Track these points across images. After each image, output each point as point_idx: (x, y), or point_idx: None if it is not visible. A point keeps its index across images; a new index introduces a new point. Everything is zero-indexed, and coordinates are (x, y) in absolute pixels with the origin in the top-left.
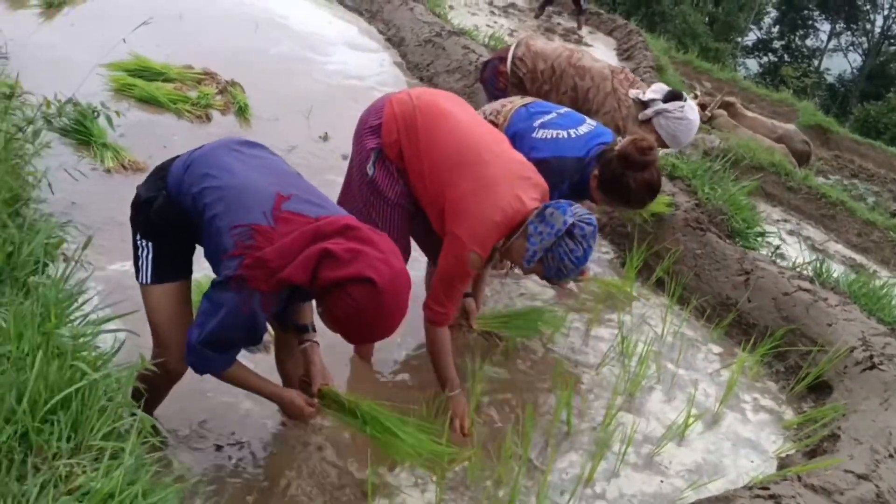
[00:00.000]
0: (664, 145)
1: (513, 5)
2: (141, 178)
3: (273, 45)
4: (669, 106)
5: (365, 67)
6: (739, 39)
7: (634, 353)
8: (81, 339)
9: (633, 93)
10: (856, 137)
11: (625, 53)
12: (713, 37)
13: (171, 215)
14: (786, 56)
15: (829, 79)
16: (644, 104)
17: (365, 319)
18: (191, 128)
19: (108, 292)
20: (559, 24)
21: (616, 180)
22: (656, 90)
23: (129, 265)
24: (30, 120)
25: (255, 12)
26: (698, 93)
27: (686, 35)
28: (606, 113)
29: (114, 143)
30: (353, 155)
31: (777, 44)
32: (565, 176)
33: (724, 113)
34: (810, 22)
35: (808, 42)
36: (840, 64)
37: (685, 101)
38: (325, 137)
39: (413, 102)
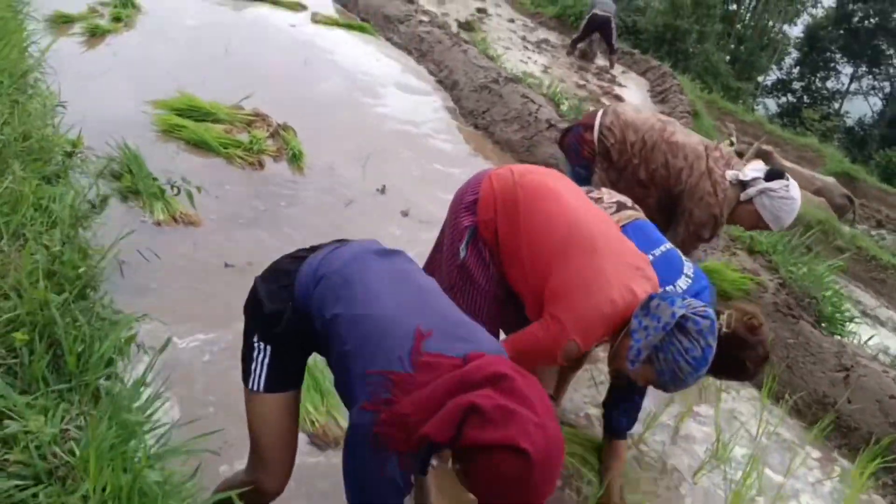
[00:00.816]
0: (765, 226)
1: (546, 41)
2: (193, 234)
3: (322, 82)
4: (773, 185)
5: (417, 112)
6: (760, 79)
7: (731, 457)
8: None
9: (730, 174)
10: (883, 186)
11: (659, 96)
12: (735, 76)
13: (298, 329)
14: (805, 97)
15: (849, 122)
16: (744, 184)
17: (510, 491)
18: (243, 176)
19: (167, 371)
20: (593, 62)
21: (730, 361)
22: (757, 169)
23: (185, 340)
24: (97, 174)
25: (302, 46)
26: (734, 139)
27: (708, 73)
28: (700, 198)
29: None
30: (445, 230)
31: (797, 84)
32: None
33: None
34: (832, 64)
35: (829, 84)
36: (860, 107)
37: (787, 179)
38: (383, 190)
39: (514, 179)
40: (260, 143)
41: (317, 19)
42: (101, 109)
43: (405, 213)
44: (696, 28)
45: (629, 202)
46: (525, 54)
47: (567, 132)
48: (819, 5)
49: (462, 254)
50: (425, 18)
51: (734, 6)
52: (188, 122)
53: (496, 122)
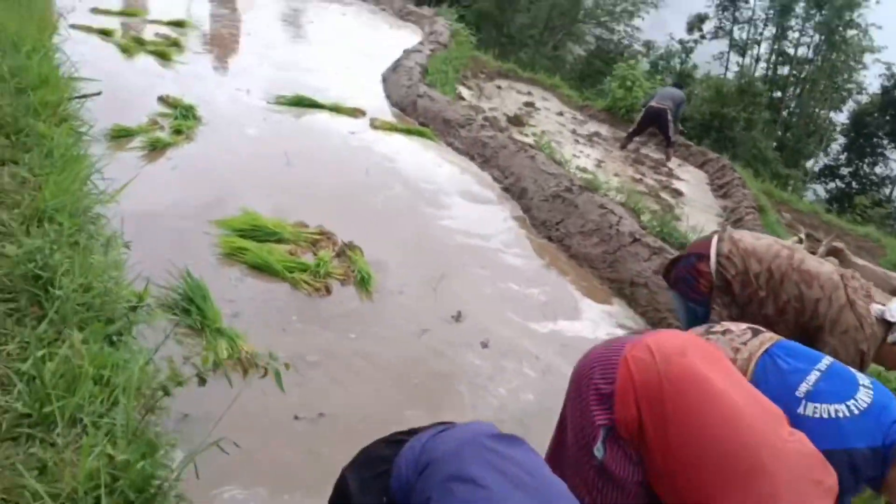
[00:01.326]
0: None
1: (597, 134)
2: (257, 381)
3: (384, 192)
4: None
5: (486, 223)
6: (808, 165)
7: None
8: None
9: (875, 308)
10: None
11: (720, 190)
12: (783, 163)
13: None
14: (854, 183)
15: None
16: (890, 324)
17: None
18: (309, 304)
19: None
20: (647, 155)
21: None
22: None
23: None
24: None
25: (363, 154)
26: (803, 236)
27: (757, 161)
28: (844, 332)
29: (229, 328)
30: (569, 416)
31: (845, 170)
32: (860, 475)
33: (836, 262)
34: (879, 150)
35: (877, 170)
36: None
37: None
38: (458, 317)
39: (658, 367)
40: (326, 266)
41: (376, 125)
42: (162, 230)
43: (485, 345)
44: (742, 115)
45: (761, 327)
46: (577, 148)
47: (676, 262)
48: (864, 92)
49: (599, 454)
50: (487, 122)
51: (778, 93)
52: (251, 243)
53: (572, 235)
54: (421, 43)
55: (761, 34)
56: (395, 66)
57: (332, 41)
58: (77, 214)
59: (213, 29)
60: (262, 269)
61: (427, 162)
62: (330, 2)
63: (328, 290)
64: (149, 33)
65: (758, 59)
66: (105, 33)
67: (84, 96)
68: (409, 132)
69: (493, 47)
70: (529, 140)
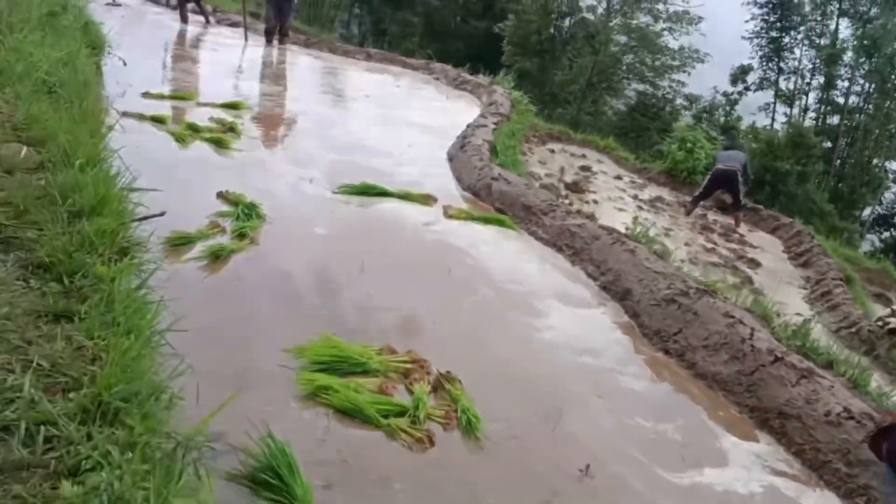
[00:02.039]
0: None
1: (659, 199)
2: None
3: (470, 297)
4: None
5: (590, 334)
6: (862, 216)
7: None
8: None
9: None
10: None
11: (798, 258)
12: (837, 215)
13: None
14: None
15: None
16: None
17: None
18: (411, 460)
19: None
20: (715, 220)
21: None
22: None
23: None
24: None
25: (441, 250)
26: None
27: (813, 214)
28: None
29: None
30: None
31: None
32: None
33: None
34: None
35: None
36: None
37: None
38: (587, 471)
39: None
40: (425, 407)
41: (450, 214)
42: (230, 362)
43: None
44: (796, 168)
45: None
46: (639, 215)
47: (887, 432)
48: None
49: None
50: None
51: (829, 144)
52: (335, 379)
53: (694, 349)
54: (483, 116)
55: (808, 84)
56: (463, 145)
57: (390, 116)
58: (150, 414)
59: (266, 109)
60: (350, 413)
61: (511, 256)
62: (382, 72)
63: (430, 441)
64: (202, 117)
65: (806, 110)
66: (158, 121)
67: (145, 218)
68: (486, 221)
69: (535, 106)
70: (591, 208)
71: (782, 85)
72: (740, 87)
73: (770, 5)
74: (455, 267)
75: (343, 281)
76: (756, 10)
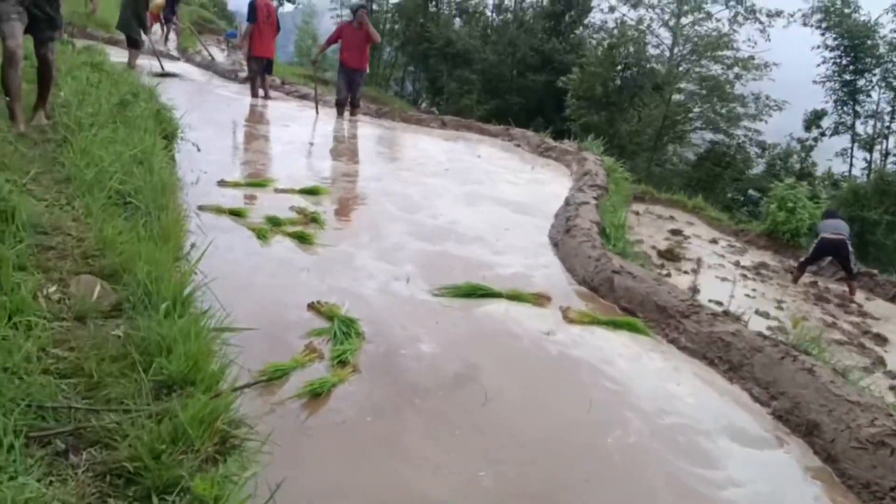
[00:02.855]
0: None
1: (763, 265)
2: None
3: (615, 432)
4: None
5: (780, 489)
6: None
7: None
8: None
9: None
10: None
11: None
12: None
13: None
14: None
15: None
16: None
17: None
18: None
19: None
20: (827, 288)
21: None
22: None
23: None
24: None
25: (568, 365)
26: None
27: None
28: None
29: None
30: None
31: None
32: None
33: None
34: None
35: None
36: None
37: None
38: None
39: None
40: None
41: (570, 317)
42: None
43: None
44: (885, 218)
45: None
46: (746, 285)
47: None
48: None
49: None
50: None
51: None
52: None
53: None
54: (581, 189)
55: (888, 128)
56: (568, 228)
57: (477, 193)
58: None
59: (346, 192)
60: None
61: (654, 373)
62: (459, 141)
63: None
64: (282, 207)
65: (887, 154)
66: (237, 214)
67: (247, 385)
68: (614, 325)
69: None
70: (690, 277)
71: (860, 129)
72: (815, 132)
73: (842, 48)
74: (590, 390)
75: (464, 421)
76: (827, 54)
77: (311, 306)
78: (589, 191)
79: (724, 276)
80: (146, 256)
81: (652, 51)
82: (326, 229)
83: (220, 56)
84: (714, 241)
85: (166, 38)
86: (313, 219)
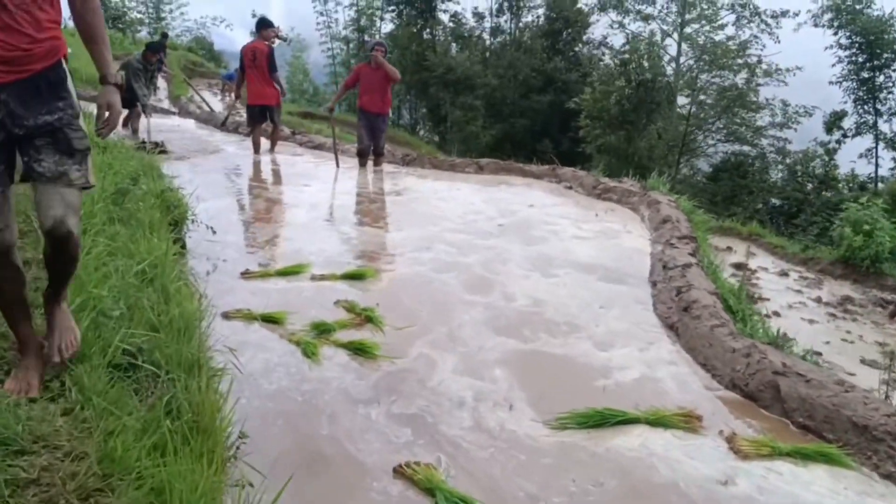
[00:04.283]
0: None
1: (848, 299)
2: None
3: None
4: None
5: None
6: None
7: None
8: None
9: None
10: None
11: None
12: None
13: None
14: None
15: None
16: None
17: None
18: None
19: None
20: None
21: None
22: None
23: None
24: None
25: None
26: None
27: None
28: None
29: None
30: None
31: None
32: None
33: None
34: None
35: None
36: None
37: None
38: None
39: None
40: None
41: (740, 448)
42: None
43: None
44: None
45: None
46: (838, 326)
47: None
48: None
49: None
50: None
51: None
52: None
53: None
54: (670, 243)
55: None
56: (687, 306)
57: (545, 255)
58: None
59: (398, 274)
60: None
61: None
62: (497, 185)
63: None
64: (325, 302)
65: None
66: (272, 321)
67: None
68: (803, 457)
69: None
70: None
71: (884, 128)
72: (837, 135)
73: (857, 46)
74: None
75: None
76: (842, 53)
77: (398, 471)
78: (681, 245)
79: (809, 317)
80: (179, 481)
81: (666, 64)
82: (386, 330)
83: (215, 103)
84: (784, 274)
85: (155, 88)
86: (367, 317)
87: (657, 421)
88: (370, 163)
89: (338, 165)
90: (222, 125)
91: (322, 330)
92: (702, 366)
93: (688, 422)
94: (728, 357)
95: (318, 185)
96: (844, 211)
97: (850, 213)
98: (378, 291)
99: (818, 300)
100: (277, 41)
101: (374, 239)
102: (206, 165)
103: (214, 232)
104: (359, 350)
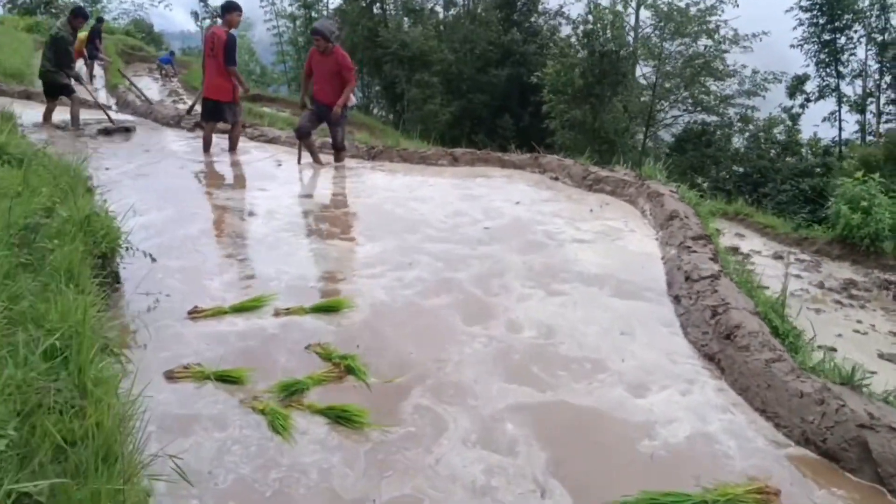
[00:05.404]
0: None
1: (852, 283)
2: None
3: None
4: None
5: None
6: None
7: None
8: None
9: None
10: None
11: None
12: None
13: None
14: None
15: None
16: None
17: None
18: None
19: None
20: None
21: None
22: None
23: None
24: None
25: None
26: None
27: None
28: None
29: None
30: None
31: None
32: None
33: None
34: None
35: None
36: None
37: None
38: None
39: None
40: None
41: None
42: None
43: None
44: None
45: None
46: (847, 315)
47: None
48: None
49: None
50: None
51: None
52: None
53: None
54: (686, 247)
55: (878, 86)
56: (729, 333)
57: (548, 267)
58: None
59: (375, 300)
60: None
61: None
62: (475, 179)
63: None
64: (293, 345)
65: (880, 114)
66: (228, 380)
67: None
68: None
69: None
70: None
71: (848, 90)
72: (800, 99)
73: (818, 7)
74: None
75: None
76: (803, 15)
77: None
78: (699, 248)
79: (815, 306)
80: None
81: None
82: (371, 383)
83: (155, 90)
84: (779, 257)
85: (91, 77)
86: (347, 367)
87: (727, 502)
88: (332, 158)
89: (299, 162)
90: (188, 112)
91: (293, 391)
92: (761, 412)
93: (765, 500)
94: (795, 403)
95: (275, 188)
96: (839, 187)
97: (846, 190)
98: (357, 328)
99: (820, 286)
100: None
101: (346, 255)
102: (147, 169)
103: (154, 260)
104: (340, 417)
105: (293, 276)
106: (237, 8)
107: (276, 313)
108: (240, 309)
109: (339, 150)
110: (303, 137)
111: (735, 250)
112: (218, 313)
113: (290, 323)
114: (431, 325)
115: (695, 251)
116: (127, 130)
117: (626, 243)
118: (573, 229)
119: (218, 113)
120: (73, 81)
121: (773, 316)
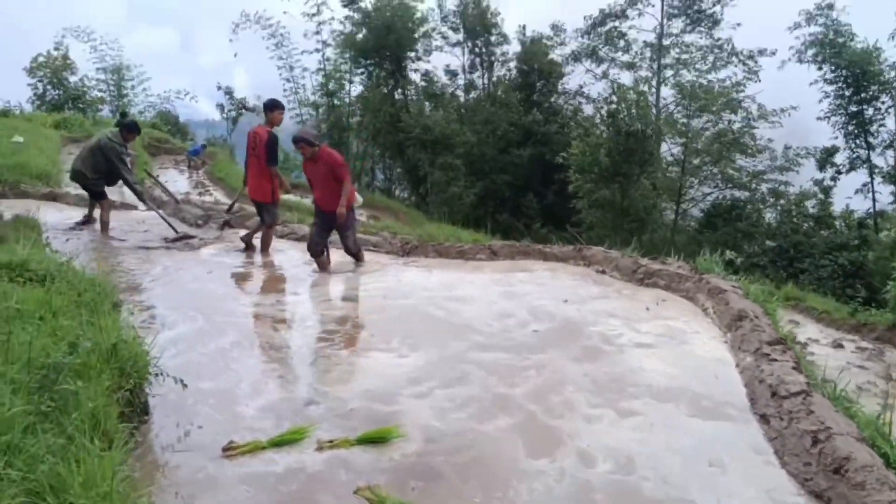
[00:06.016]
0: None
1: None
2: None
3: None
4: None
5: None
6: None
7: None
8: None
9: None
10: None
11: None
12: None
13: None
14: None
15: None
16: None
17: None
18: None
19: None
20: None
21: None
22: None
23: None
24: None
25: None
26: None
27: None
28: None
29: None
30: None
31: None
32: None
33: None
34: None
35: None
36: None
37: None
38: None
39: None
40: None
41: None
42: None
43: None
44: None
45: None
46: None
47: None
48: None
49: None
50: None
51: None
52: None
53: None
54: (764, 355)
55: None
56: (837, 466)
57: (612, 378)
58: None
59: (428, 427)
60: None
61: None
62: (517, 273)
63: None
64: (341, 489)
65: None
66: None
67: None
68: None
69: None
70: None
71: (878, 161)
72: (830, 171)
73: (843, 79)
74: None
75: None
76: (828, 88)
77: None
78: (778, 356)
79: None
80: None
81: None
82: None
83: (182, 182)
84: (839, 346)
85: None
86: None
87: None
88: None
89: (329, 262)
90: (227, 211)
91: None
92: None
93: None
94: None
95: (307, 292)
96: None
97: None
98: (409, 464)
99: (888, 378)
100: (270, 125)
101: (388, 370)
102: (174, 275)
103: (185, 386)
104: None
105: (333, 397)
106: (280, 106)
107: (319, 447)
108: (279, 443)
109: (355, 256)
110: (316, 256)
111: (791, 339)
112: (255, 448)
113: (334, 459)
114: (492, 457)
115: (774, 359)
116: (188, 238)
117: (692, 348)
118: (631, 331)
119: (258, 213)
120: (139, 201)
121: (881, 442)
